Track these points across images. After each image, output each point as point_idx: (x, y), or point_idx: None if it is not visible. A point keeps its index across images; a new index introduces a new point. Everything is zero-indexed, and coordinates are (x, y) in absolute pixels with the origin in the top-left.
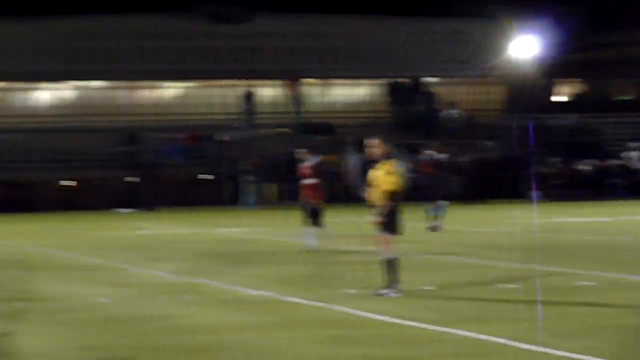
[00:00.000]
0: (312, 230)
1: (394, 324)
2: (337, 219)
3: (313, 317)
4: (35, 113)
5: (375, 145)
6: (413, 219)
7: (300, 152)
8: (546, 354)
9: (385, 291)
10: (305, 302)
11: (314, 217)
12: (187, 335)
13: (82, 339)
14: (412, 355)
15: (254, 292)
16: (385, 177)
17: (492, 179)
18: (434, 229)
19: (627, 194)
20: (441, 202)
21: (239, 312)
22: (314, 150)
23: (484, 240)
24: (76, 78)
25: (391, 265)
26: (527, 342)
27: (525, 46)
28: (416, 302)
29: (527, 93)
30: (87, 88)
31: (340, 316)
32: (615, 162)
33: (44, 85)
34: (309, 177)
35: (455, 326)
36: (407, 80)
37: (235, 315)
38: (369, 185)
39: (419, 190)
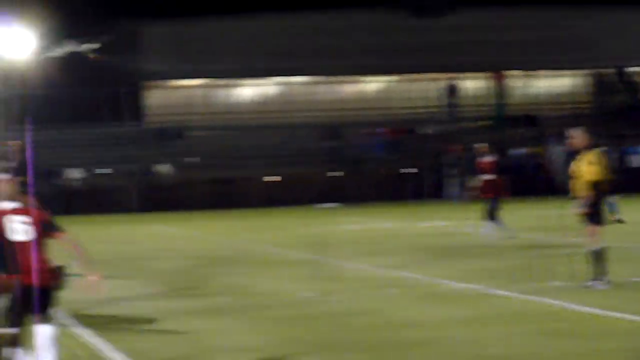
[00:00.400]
0: (490, 224)
1: (606, 316)
2: (539, 212)
3: (521, 310)
4: (238, 110)
5: (576, 136)
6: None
7: (480, 147)
8: None
9: (593, 283)
10: (513, 295)
11: (491, 212)
12: (393, 329)
13: (289, 334)
14: (629, 347)
15: (460, 286)
16: (587, 167)
17: None
18: (619, 221)
19: None
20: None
21: (445, 305)
22: (494, 146)
23: None
24: (278, 74)
25: (598, 257)
26: None
27: None
28: (625, 293)
29: None
30: (289, 84)
31: (549, 309)
32: None
33: (246, 82)
34: (488, 172)
35: None
36: (610, 70)
37: (441, 309)
38: (571, 176)
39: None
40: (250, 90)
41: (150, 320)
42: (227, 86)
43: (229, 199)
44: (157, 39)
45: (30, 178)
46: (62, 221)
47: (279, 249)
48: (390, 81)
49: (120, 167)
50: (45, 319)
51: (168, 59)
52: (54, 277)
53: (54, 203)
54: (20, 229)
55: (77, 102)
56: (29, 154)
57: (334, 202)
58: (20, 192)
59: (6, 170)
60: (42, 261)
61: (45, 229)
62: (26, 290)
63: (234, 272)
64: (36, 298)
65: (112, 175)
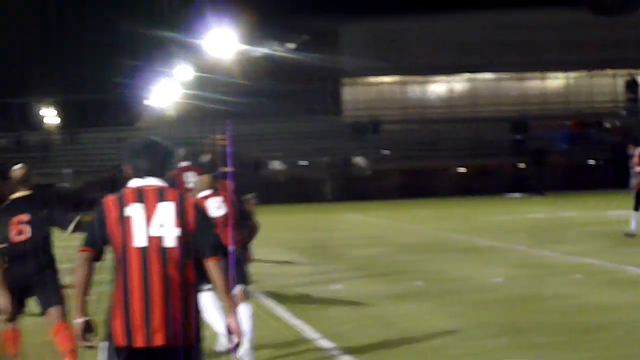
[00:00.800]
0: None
1: None
2: None
3: None
4: (429, 104)
5: None
6: None
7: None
8: None
9: None
10: None
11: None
12: (580, 313)
13: (480, 317)
14: None
15: None
16: None
17: None
18: None
19: None
20: None
21: (631, 291)
22: None
23: None
24: (467, 71)
25: None
26: None
27: None
28: None
29: None
30: (476, 80)
31: None
32: None
33: (437, 78)
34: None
35: None
36: None
37: (627, 294)
38: None
39: None
40: (440, 86)
41: (347, 304)
42: (419, 82)
43: (419, 189)
44: (353, 38)
45: (231, 170)
46: (265, 209)
47: (467, 236)
48: (572, 77)
49: (319, 159)
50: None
51: (364, 57)
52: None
53: (259, 192)
54: (214, 208)
55: (278, 98)
56: (230, 147)
57: (519, 192)
58: (216, 183)
59: (204, 166)
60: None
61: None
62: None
63: (424, 258)
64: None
65: (310, 167)
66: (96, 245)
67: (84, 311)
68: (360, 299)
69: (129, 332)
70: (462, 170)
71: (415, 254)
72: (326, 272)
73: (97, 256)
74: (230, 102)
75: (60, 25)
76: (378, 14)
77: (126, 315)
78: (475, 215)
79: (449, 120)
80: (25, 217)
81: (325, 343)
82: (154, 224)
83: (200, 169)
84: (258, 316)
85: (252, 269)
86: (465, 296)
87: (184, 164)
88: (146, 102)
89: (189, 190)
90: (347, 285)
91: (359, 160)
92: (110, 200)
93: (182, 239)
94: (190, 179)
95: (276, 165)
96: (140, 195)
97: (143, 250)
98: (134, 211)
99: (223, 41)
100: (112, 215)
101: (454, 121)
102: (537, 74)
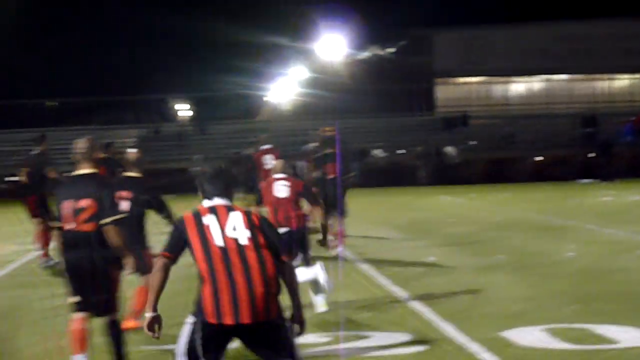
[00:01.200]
0: None
1: None
2: None
3: None
4: (510, 102)
5: None
6: None
7: None
8: None
9: None
10: None
11: None
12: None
13: (554, 287)
14: None
15: None
16: None
17: None
18: None
19: None
20: None
21: None
22: None
23: None
24: (544, 73)
25: None
26: None
27: None
28: None
29: None
30: (551, 81)
31: None
32: None
33: (517, 79)
34: None
35: None
36: None
37: None
38: None
39: None
40: (520, 86)
41: (439, 274)
42: (501, 82)
43: (502, 176)
44: (445, 44)
45: (333, 152)
46: (368, 192)
47: (543, 216)
48: (636, 78)
49: (414, 148)
50: (307, 255)
51: (454, 60)
52: (304, 223)
53: (364, 177)
54: (282, 190)
55: (380, 96)
56: (337, 136)
57: (589, 178)
58: (287, 168)
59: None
60: (297, 211)
61: (298, 194)
62: (290, 232)
63: (506, 235)
64: (295, 239)
65: (407, 155)
66: (174, 251)
67: (154, 308)
68: (451, 270)
69: (219, 313)
70: (538, 159)
71: (498, 231)
72: (421, 246)
73: (173, 261)
74: (338, 99)
75: (189, 34)
76: (467, 23)
77: (215, 298)
78: (550, 199)
79: (527, 116)
80: (127, 194)
81: (421, 307)
82: (228, 228)
83: (277, 152)
84: (360, 284)
85: (356, 243)
86: (541, 269)
87: (264, 147)
88: (265, 98)
89: (268, 171)
90: (439, 258)
91: (449, 150)
92: (188, 214)
93: (253, 238)
94: (269, 161)
95: (378, 153)
96: (212, 209)
97: (222, 248)
98: (210, 220)
99: (333, 46)
100: (191, 225)
101: (531, 117)
102: (605, 76)
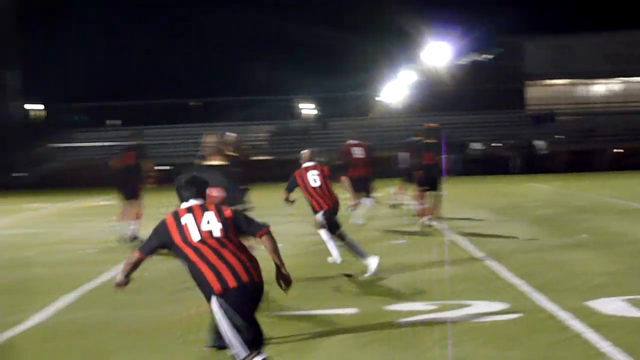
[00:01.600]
0: None
1: None
2: None
3: None
4: (592, 101)
5: None
6: None
7: None
8: None
9: None
10: None
11: None
12: None
13: (631, 263)
14: None
15: None
16: None
17: None
18: None
19: None
20: None
21: None
22: None
23: None
24: (622, 75)
25: None
26: None
27: None
28: None
29: None
30: (629, 82)
31: None
32: None
33: (598, 81)
34: None
35: None
36: None
37: None
38: None
39: None
40: (601, 87)
41: (529, 251)
42: (584, 84)
43: (585, 165)
44: (535, 50)
45: (432, 141)
46: (467, 179)
47: (622, 201)
48: None
49: (508, 141)
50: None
51: (543, 64)
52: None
53: (463, 166)
54: (313, 178)
55: (478, 96)
56: (441, 132)
57: None
58: (315, 158)
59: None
60: (331, 195)
61: (326, 179)
62: (327, 213)
63: (589, 217)
64: (331, 217)
65: (502, 148)
66: (148, 254)
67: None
68: (540, 247)
69: (222, 280)
70: (618, 150)
71: (581, 213)
72: (514, 227)
73: (144, 259)
74: (442, 98)
75: (317, 45)
76: (554, 32)
77: (214, 271)
78: (629, 185)
79: (607, 113)
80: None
81: (515, 280)
82: (203, 223)
83: (365, 144)
84: (462, 259)
85: (458, 224)
86: (621, 247)
87: (352, 141)
88: (377, 98)
89: (357, 159)
90: (530, 236)
91: (539, 143)
92: (169, 217)
93: (224, 229)
94: (357, 152)
95: (476, 146)
96: (189, 209)
97: (200, 240)
98: (188, 219)
99: (438, 53)
100: (172, 225)
101: (611, 114)
102: None
